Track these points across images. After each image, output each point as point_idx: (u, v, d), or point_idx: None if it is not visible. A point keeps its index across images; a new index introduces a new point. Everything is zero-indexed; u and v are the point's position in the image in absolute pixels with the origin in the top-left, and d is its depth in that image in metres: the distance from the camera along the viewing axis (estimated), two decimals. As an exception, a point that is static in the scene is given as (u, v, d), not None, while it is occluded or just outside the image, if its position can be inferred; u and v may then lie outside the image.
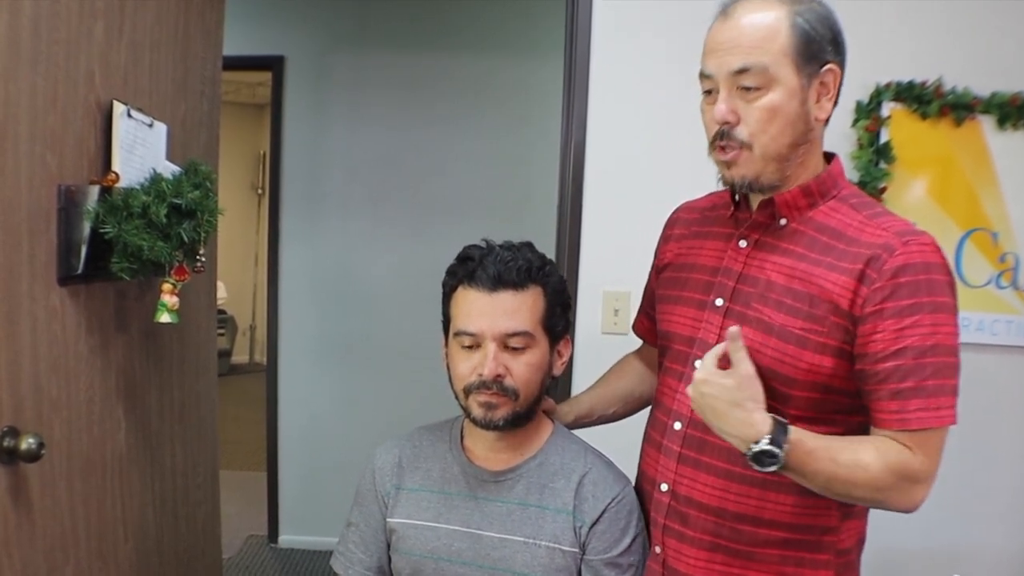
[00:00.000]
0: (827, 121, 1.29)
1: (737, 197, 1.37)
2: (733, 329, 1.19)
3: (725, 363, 1.20)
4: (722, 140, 1.24)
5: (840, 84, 1.27)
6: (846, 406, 1.25)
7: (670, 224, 1.55)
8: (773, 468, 1.13)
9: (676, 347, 1.40)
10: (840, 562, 1.30)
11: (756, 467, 1.14)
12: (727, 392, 1.16)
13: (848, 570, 1.33)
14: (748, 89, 1.21)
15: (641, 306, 1.63)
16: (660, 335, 1.47)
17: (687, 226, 1.49)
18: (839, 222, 1.26)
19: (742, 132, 1.23)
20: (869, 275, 1.19)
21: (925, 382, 1.16)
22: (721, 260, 1.36)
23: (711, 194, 1.49)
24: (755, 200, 1.33)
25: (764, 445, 1.12)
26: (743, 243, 1.34)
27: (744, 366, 1.17)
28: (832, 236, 1.25)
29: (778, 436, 1.13)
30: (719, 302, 1.33)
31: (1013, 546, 2.16)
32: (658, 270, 1.54)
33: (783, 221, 1.30)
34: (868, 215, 1.26)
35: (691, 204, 1.54)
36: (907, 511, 1.21)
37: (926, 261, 1.19)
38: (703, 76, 1.27)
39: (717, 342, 1.30)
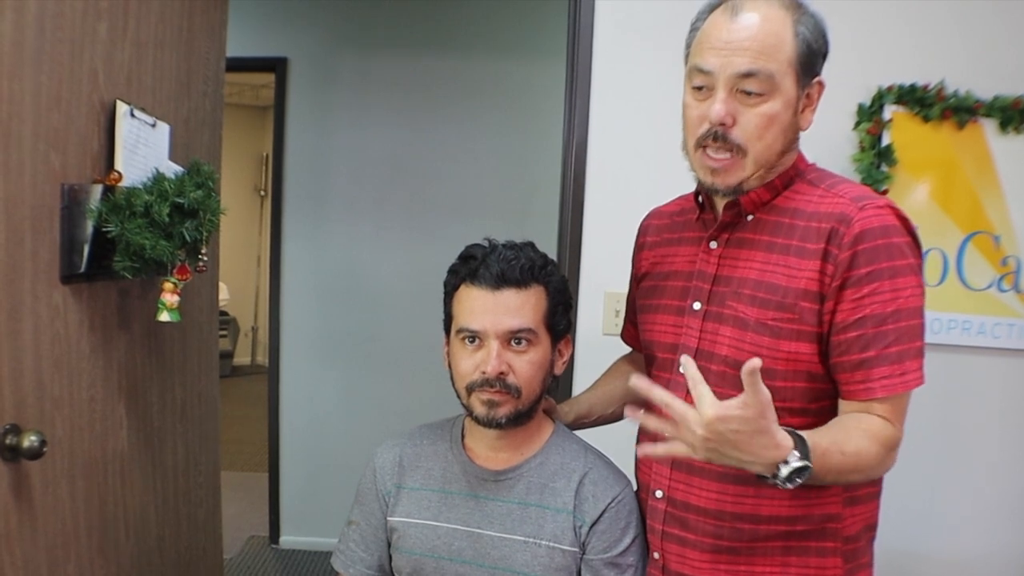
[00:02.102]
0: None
1: (701, 199, 1.37)
2: (752, 363, 1.02)
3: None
4: (715, 141, 1.23)
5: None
6: (830, 391, 1.25)
7: (642, 232, 1.56)
8: (801, 481, 1.06)
9: (660, 355, 1.40)
10: (848, 549, 1.29)
11: (787, 486, 1.06)
12: (749, 423, 1.03)
13: (857, 556, 1.32)
14: (749, 93, 1.20)
15: (626, 315, 1.63)
16: (643, 344, 1.48)
17: (658, 233, 1.50)
18: (800, 200, 1.27)
19: (738, 135, 1.22)
20: (831, 251, 1.19)
21: (887, 349, 1.17)
22: (694, 264, 1.36)
23: (679, 198, 1.50)
24: (720, 201, 1.33)
25: (796, 462, 1.04)
26: (714, 244, 1.34)
27: (763, 390, 1.03)
28: (794, 216, 1.26)
29: (800, 446, 1.06)
30: (697, 306, 1.33)
31: (1015, 550, 2.16)
32: (637, 280, 1.54)
33: (749, 217, 1.31)
34: (826, 187, 1.27)
35: (660, 210, 1.54)
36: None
37: (884, 224, 1.19)
38: (698, 71, 1.24)
39: (698, 346, 1.31)
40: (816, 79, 1.26)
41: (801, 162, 1.32)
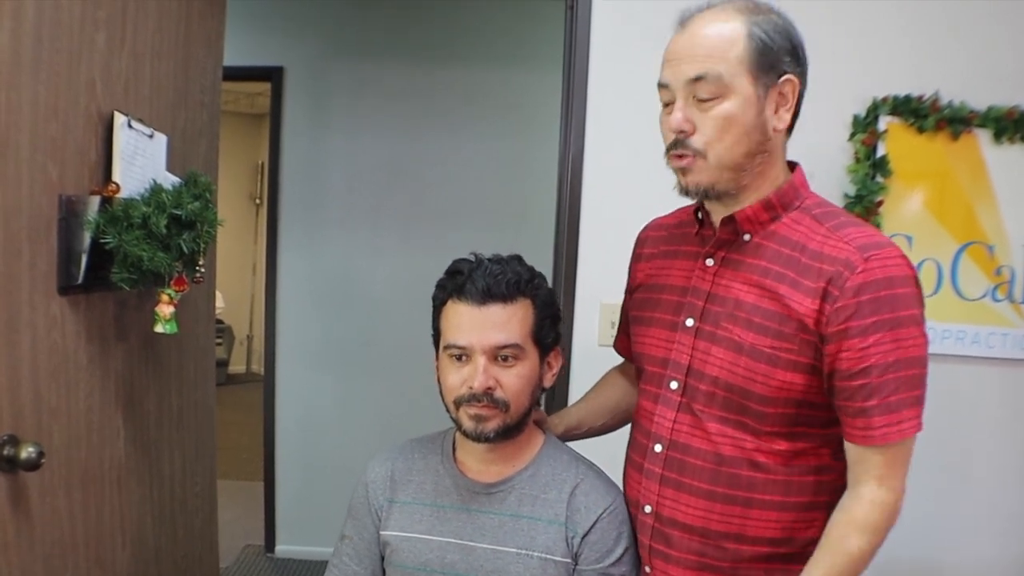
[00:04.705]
0: (789, 132, 1.30)
1: (700, 215, 1.37)
2: None
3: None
4: (676, 149, 1.24)
5: (801, 96, 1.27)
6: (821, 419, 1.25)
7: (639, 243, 1.55)
8: None
9: (650, 369, 1.40)
10: None
11: None
12: None
13: None
14: (704, 100, 1.21)
15: (620, 325, 1.62)
16: (635, 357, 1.47)
17: (655, 245, 1.49)
18: (802, 235, 1.26)
19: (697, 141, 1.23)
20: (831, 293, 1.19)
21: (888, 398, 1.18)
22: (690, 280, 1.36)
23: (678, 210, 1.49)
24: (717, 217, 1.33)
25: None
26: (710, 261, 1.34)
27: None
28: (795, 249, 1.25)
29: None
30: (689, 322, 1.33)
31: (1009, 558, 2.16)
32: (631, 291, 1.53)
33: (747, 236, 1.30)
34: (831, 227, 1.25)
35: (659, 221, 1.54)
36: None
37: (888, 276, 1.18)
38: (661, 87, 1.27)
39: (689, 364, 1.31)
40: (785, 77, 1.24)
41: (804, 188, 1.31)
